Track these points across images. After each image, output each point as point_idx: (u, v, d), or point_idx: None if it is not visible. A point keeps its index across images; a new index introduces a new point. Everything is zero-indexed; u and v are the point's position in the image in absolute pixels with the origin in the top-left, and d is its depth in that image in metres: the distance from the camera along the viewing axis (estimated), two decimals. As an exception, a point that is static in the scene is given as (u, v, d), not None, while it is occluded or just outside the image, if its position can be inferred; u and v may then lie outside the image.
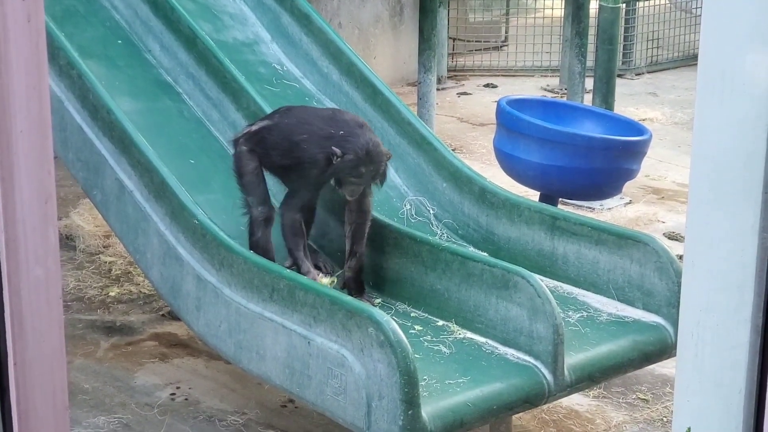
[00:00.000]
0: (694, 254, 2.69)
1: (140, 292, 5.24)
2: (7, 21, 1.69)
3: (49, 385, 1.87)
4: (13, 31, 1.70)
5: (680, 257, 3.82)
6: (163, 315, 5.01)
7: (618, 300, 4.02)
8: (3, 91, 1.71)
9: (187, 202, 4.05)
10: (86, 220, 5.57)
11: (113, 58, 4.92)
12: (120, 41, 5.02)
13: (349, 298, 3.60)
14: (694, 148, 2.63)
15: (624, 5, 8.08)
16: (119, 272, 5.42)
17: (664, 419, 4.23)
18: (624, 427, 4.22)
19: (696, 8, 10.22)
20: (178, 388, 4.47)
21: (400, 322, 3.66)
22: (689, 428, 2.75)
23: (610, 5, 6.86)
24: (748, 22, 2.49)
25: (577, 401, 4.29)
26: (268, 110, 4.61)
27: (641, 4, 10.15)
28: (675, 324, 3.80)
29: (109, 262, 5.48)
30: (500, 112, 5.25)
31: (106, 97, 4.35)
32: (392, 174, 4.73)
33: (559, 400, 3.99)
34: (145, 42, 5.04)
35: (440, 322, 3.97)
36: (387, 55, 8.46)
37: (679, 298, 3.74)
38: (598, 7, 7.00)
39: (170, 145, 4.52)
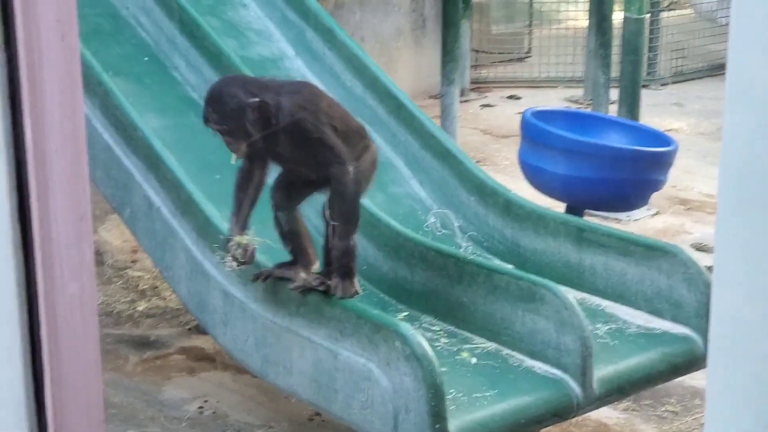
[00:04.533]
0: (723, 265, 2.71)
1: (168, 306, 5.26)
2: (42, 40, 1.71)
3: (84, 400, 1.88)
4: (47, 49, 1.72)
5: (709, 268, 3.83)
6: (190, 329, 5.03)
7: (646, 312, 4.02)
8: (38, 110, 1.73)
9: (214, 218, 4.08)
10: (114, 236, 5.60)
11: (140, 75, 4.96)
12: (146, 58, 5.06)
13: (375, 313, 3.59)
14: (723, 157, 2.64)
15: (648, 16, 8.05)
16: (147, 287, 5.45)
17: (694, 431, 4.20)
18: (653, 440, 4.20)
19: (721, 17, 10.20)
20: (206, 401, 4.49)
21: (427, 335, 3.68)
22: (720, 440, 2.76)
23: (635, 16, 6.86)
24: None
25: (606, 414, 4.27)
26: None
27: (665, 14, 10.14)
28: (704, 335, 3.80)
29: (137, 277, 5.51)
30: (525, 124, 5.25)
31: (133, 114, 4.38)
32: (417, 187, 4.75)
33: (588, 414, 3.97)
34: (171, 59, 5.07)
35: (467, 335, 3.97)
36: (409, 68, 8.47)
37: (708, 309, 3.74)
38: (622, 18, 6.99)
39: (197, 161, 4.54)
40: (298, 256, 3.86)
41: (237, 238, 3.69)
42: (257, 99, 3.66)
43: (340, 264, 3.71)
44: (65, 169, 1.74)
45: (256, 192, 3.86)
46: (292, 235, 3.88)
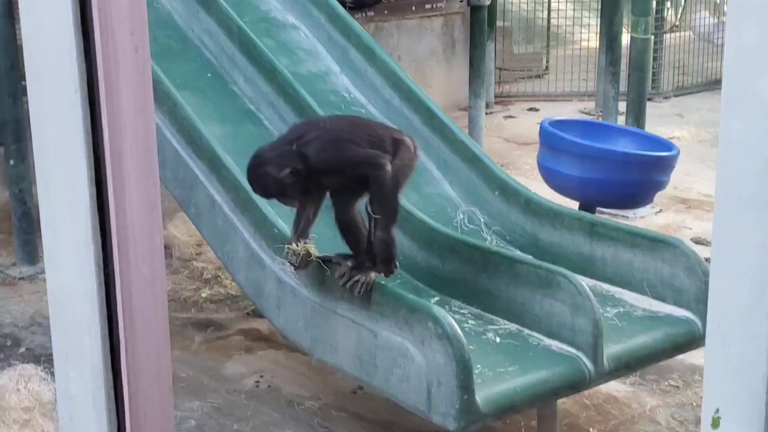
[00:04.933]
0: (720, 256, 2.68)
1: (228, 293, 5.28)
2: (118, 52, 1.72)
3: (154, 369, 1.89)
4: (122, 60, 1.73)
5: (707, 259, 3.81)
6: (248, 313, 5.04)
7: (651, 297, 4.00)
8: (115, 114, 1.74)
9: (269, 214, 4.09)
10: (181, 231, 5.63)
11: (204, 89, 4.99)
12: (209, 74, 5.08)
13: (411, 297, 3.58)
14: (720, 160, 2.63)
15: (653, 37, 8.01)
16: (210, 276, 5.47)
17: (694, 404, 4.19)
18: (657, 411, 4.18)
19: (717, 38, 10.16)
20: (261, 376, 4.50)
21: (456, 317, 3.66)
22: (717, 409, 2.74)
23: (641, 37, 6.83)
24: (765, 49, 2.49)
25: (615, 387, 4.26)
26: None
27: (668, 35, 10.11)
28: (703, 318, 3.77)
29: (201, 268, 5.54)
30: (543, 132, 5.25)
31: (198, 124, 4.41)
32: (447, 187, 4.74)
33: (599, 387, 3.96)
34: (231, 75, 5.09)
35: (491, 317, 3.96)
36: (441, 83, 8.46)
37: (706, 295, 3.71)
38: (629, 38, 6.97)
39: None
40: (356, 251, 3.86)
41: (291, 246, 3.71)
42: (287, 170, 3.66)
43: (383, 252, 3.71)
44: (138, 166, 1.75)
45: (314, 210, 3.91)
46: (349, 232, 3.89)
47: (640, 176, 5.10)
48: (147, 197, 1.80)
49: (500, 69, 9.55)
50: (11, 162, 5.60)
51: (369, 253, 3.80)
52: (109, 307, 1.80)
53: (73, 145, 1.77)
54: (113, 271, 1.79)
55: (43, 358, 4.36)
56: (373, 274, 3.69)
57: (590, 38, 10.30)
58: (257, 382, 4.44)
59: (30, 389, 4.02)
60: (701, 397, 3.03)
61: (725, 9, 12.27)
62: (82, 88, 1.73)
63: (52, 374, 4.25)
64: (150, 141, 1.79)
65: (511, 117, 8.74)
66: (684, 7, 11.93)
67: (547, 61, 10.13)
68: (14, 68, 5.59)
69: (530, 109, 8.94)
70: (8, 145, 5.61)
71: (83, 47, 1.71)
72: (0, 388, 4.02)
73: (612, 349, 3.64)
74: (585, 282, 3.69)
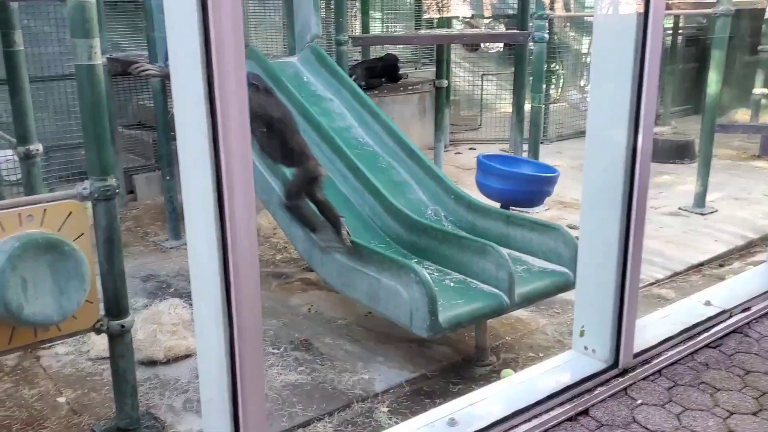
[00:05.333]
0: (585, 234, 2.71)
1: (292, 257, 5.30)
2: (230, 111, 1.72)
3: (251, 300, 1.89)
4: (232, 115, 1.73)
5: (576, 237, 3.83)
6: (304, 268, 5.03)
7: (543, 259, 4.02)
8: (228, 148, 1.74)
9: (315, 209, 4.11)
10: (264, 220, 5.64)
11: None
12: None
13: (400, 258, 3.58)
14: (585, 178, 2.66)
15: (543, 105, 8.01)
16: (281, 246, 5.48)
17: (568, 323, 4.21)
18: (546, 327, 4.21)
19: (581, 106, 10.18)
20: (311, 305, 4.52)
21: (427, 271, 3.69)
22: (583, 325, 2.76)
23: (537, 105, 6.86)
24: (611, 111, 2.51)
25: (521, 313, 4.29)
26: (358, 163, 4.66)
27: (552, 104, 10.12)
28: (573, 271, 3.79)
29: (276, 242, 5.56)
30: (479, 162, 5.26)
31: (274, 155, 4.42)
32: (420, 194, 4.74)
33: (511, 313, 3.99)
34: (293, 127, 5.09)
35: (447, 271, 3.97)
36: (417, 133, 8.44)
37: (576, 257, 3.73)
38: (530, 106, 6.98)
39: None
40: (332, 221, 3.88)
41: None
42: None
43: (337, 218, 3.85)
44: (241, 179, 1.75)
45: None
46: (322, 211, 3.92)
47: (537, 188, 5.12)
48: (247, 199, 1.81)
49: (452, 124, 9.56)
50: (166, 178, 5.62)
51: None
52: (224, 264, 1.81)
53: (203, 167, 1.78)
54: (227, 242, 1.80)
55: (184, 295, 4.38)
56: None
57: (506, 106, 10.32)
58: (309, 308, 4.47)
59: (177, 312, 4.04)
60: (573, 319, 3.05)
61: (587, 89, 12.29)
62: (209, 134, 1.74)
63: (190, 304, 4.28)
64: (248, 164, 1.80)
65: (459, 153, 8.75)
66: (562, 87, 11.94)
67: (480, 120, 10.12)
68: (166, 124, 5.60)
69: (470, 148, 8.94)
70: (164, 168, 5.64)
71: (210, 110, 1.71)
72: (159, 312, 4.03)
73: (520, 289, 3.67)
74: (504, 250, 3.72)
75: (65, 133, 6.47)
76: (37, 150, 3.67)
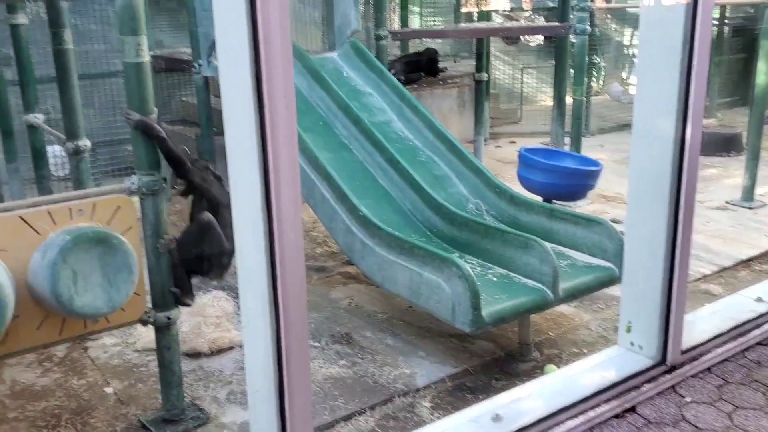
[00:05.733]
0: (631, 228, 2.67)
1: (332, 251, 5.31)
2: (277, 107, 1.74)
3: (296, 292, 1.90)
4: (279, 113, 1.74)
5: (621, 232, 3.78)
6: (344, 262, 5.03)
7: (587, 254, 3.97)
8: (275, 145, 1.75)
9: (356, 203, 4.13)
10: (305, 215, 5.65)
11: (319, 131, 5.04)
12: (321, 123, 5.13)
13: (442, 252, 3.57)
14: (631, 171, 2.62)
15: (585, 98, 7.91)
16: (321, 240, 5.50)
17: (612, 318, 4.15)
18: (590, 322, 4.15)
19: (624, 100, 10.02)
20: (352, 299, 4.53)
21: (469, 265, 3.67)
22: (630, 321, 2.72)
23: (578, 98, 6.76)
24: (658, 103, 2.46)
25: (564, 308, 4.24)
26: (398, 157, 4.66)
27: (594, 97, 9.98)
28: (618, 266, 3.74)
29: (315, 236, 5.58)
30: (521, 156, 5.22)
31: (316, 151, 4.45)
32: (461, 188, 4.73)
33: (555, 308, 3.95)
34: (334, 123, 5.13)
35: (490, 266, 3.94)
36: (456, 126, 8.40)
37: (621, 253, 3.68)
38: (572, 99, 6.89)
39: (347, 174, 4.59)
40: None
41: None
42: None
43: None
44: (288, 176, 1.77)
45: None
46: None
47: (580, 181, 5.06)
48: (293, 193, 1.82)
49: (492, 117, 9.50)
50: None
51: None
52: (271, 257, 1.83)
53: (251, 161, 1.79)
54: (273, 235, 1.81)
55: (227, 288, 4.43)
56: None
57: (546, 99, 10.22)
58: (349, 302, 4.48)
59: (220, 305, 4.09)
60: (618, 314, 3.01)
61: (629, 81, 12.08)
62: (257, 130, 1.76)
63: (233, 297, 4.34)
64: (295, 158, 1.81)
65: (498, 146, 8.67)
66: (603, 80, 11.76)
67: (520, 113, 10.03)
68: (209, 120, 5.66)
69: (510, 142, 8.86)
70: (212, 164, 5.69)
71: (258, 107, 1.72)
72: (204, 304, 4.08)
73: (564, 284, 3.64)
74: (547, 245, 3.68)
75: (110, 129, 6.60)
76: (86, 146, 3.75)
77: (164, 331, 3.06)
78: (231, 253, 3.04)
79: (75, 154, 3.74)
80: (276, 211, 1.77)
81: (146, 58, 2.80)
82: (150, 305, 3.02)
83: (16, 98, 5.36)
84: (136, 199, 2.89)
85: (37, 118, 4.63)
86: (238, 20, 1.68)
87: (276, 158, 1.74)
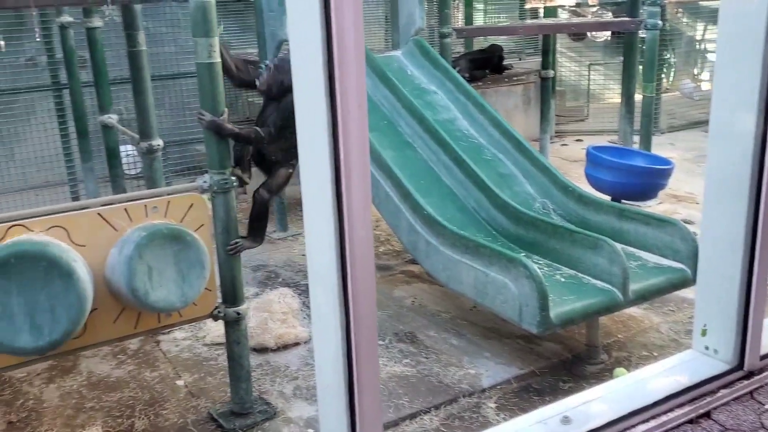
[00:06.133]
0: (707, 229, 2.59)
1: (395, 249, 5.34)
2: (349, 107, 1.75)
3: (366, 289, 1.91)
4: (351, 113, 1.76)
5: (693, 233, 3.68)
6: (407, 261, 5.05)
7: (658, 255, 3.88)
8: (347, 144, 1.77)
9: (421, 202, 4.13)
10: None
11: (383, 130, 5.06)
12: (385, 121, 5.15)
13: (509, 252, 3.54)
14: (707, 169, 2.54)
15: (655, 95, 7.71)
16: (384, 239, 5.54)
17: (684, 321, 4.04)
18: (660, 325, 4.06)
19: (695, 96, 9.72)
20: (415, 298, 4.54)
21: (537, 266, 3.64)
22: (705, 324, 2.63)
23: (648, 95, 6.59)
24: (738, 98, 2.38)
25: (634, 310, 4.16)
26: (463, 155, 4.65)
27: (664, 95, 9.72)
28: (691, 268, 3.64)
29: (378, 234, 5.62)
30: (589, 154, 5.13)
31: (380, 150, 4.48)
32: (527, 186, 4.67)
33: (625, 310, 3.87)
34: (397, 121, 5.15)
35: (557, 266, 3.89)
36: (521, 124, 8.30)
37: (694, 254, 3.58)
38: (641, 96, 6.73)
39: (411, 173, 4.59)
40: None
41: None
42: None
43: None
44: (359, 174, 1.79)
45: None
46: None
47: (650, 180, 4.95)
48: (364, 191, 1.83)
49: (558, 115, 9.36)
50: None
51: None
52: (341, 253, 1.84)
53: (322, 159, 1.81)
54: (344, 232, 1.83)
55: (292, 284, 4.50)
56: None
57: (613, 96, 10.01)
58: (413, 301, 4.49)
59: (286, 301, 4.17)
60: (689, 317, 2.92)
61: (701, 77, 11.71)
62: (329, 128, 1.77)
63: (299, 294, 4.41)
64: (365, 160, 1.82)
65: (564, 144, 8.55)
66: (674, 76, 11.44)
67: (587, 111, 9.85)
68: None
69: (577, 140, 8.72)
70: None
71: (330, 105, 1.74)
72: (270, 300, 4.17)
73: (634, 286, 3.56)
74: (617, 245, 3.61)
75: (179, 129, 6.79)
76: (158, 145, 3.87)
77: (234, 326, 3.14)
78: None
79: (148, 153, 3.87)
80: (347, 209, 1.79)
81: (218, 59, 2.87)
82: (220, 300, 3.10)
83: (89, 99, 5.57)
84: (207, 196, 2.97)
85: (111, 118, 4.80)
86: (312, 21, 1.71)
87: (347, 157, 1.76)
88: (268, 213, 3.39)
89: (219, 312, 3.07)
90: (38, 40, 6.53)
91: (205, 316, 3.06)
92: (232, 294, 3.09)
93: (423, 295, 4.54)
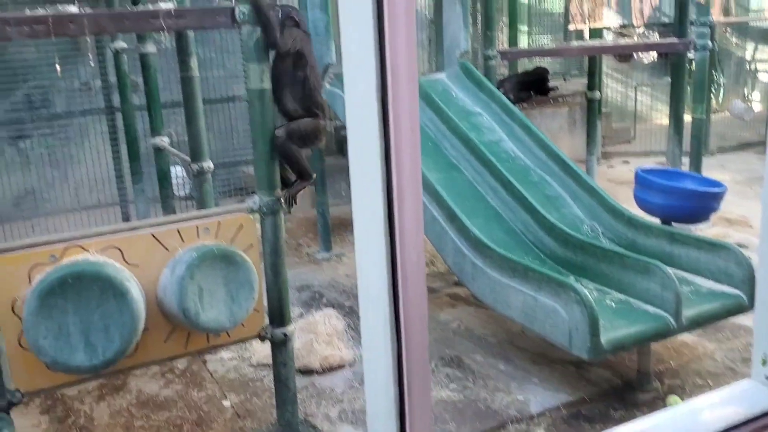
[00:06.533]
0: (764, 253, 2.52)
1: (439, 271, 5.31)
2: (401, 128, 1.76)
3: (417, 311, 1.89)
4: (404, 135, 1.76)
5: (749, 257, 3.57)
6: (453, 283, 5.03)
7: (712, 280, 3.77)
8: (398, 163, 1.77)
9: (467, 223, 4.10)
10: (414, 234, 5.70)
11: (428, 152, 5.06)
12: (431, 143, 5.15)
13: (558, 276, 3.49)
14: (764, 190, 2.48)
15: (705, 117, 7.56)
16: (428, 260, 5.50)
17: (739, 349, 3.92)
18: (715, 353, 3.93)
19: (747, 118, 9.49)
20: (461, 322, 4.50)
21: (587, 290, 3.58)
22: (765, 353, 2.55)
23: (698, 116, 6.46)
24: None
25: (687, 337, 4.04)
26: (509, 176, 4.61)
27: (713, 117, 9.54)
28: (747, 293, 3.53)
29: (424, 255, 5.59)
30: (638, 176, 5.03)
31: (425, 171, 4.47)
32: (575, 209, 4.60)
33: (677, 336, 3.77)
34: (442, 143, 5.14)
35: (608, 290, 3.81)
36: (567, 146, 8.22)
37: (750, 278, 3.48)
38: (690, 117, 6.61)
39: (457, 194, 4.57)
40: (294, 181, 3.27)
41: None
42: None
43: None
44: (411, 197, 1.79)
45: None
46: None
47: (702, 203, 4.82)
48: (416, 213, 1.82)
49: (604, 136, 9.24)
50: (319, 193, 5.83)
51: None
52: (393, 276, 1.83)
53: (375, 185, 1.81)
54: (396, 256, 1.82)
55: (337, 305, 4.50)
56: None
57: (660, 117, 9.86)
58: (459, 324, 4.45)
59: (331, 323, 4.17)
60: (746, 345, 2.82)
61: (752, 98, 11.46)
62: (382, 152, 1.77)
63: (344, 315, 4.40)
64: (417, 183, 1.81)
65: (611, 166, 8.44)
66: (723, 97, 11.23)
67: (634, 132, 9.71)
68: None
69: (623, 162, 8.61)
70: (317, 183, 5.85)
71: (383, 129, 1.75)
72: (315, 321, 4.17)
73: (687, 312, 3.46)
74: (669, 269, 3.51)
75: (226, 151, 6.91)
76: (209, 167, 3.93)
77: (280, 347, 3.15)
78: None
79: (199, 174, 3.93)
80: (399, 232, 1.79)
81: (268, 84, 2.91)
82: (267, 321, 3.11)
83: (141, 122, 5.71)
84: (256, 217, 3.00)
85: (163, 141, 4.91)
86: (366, 47, 1.72)
87: (400, 180, 1.76)
88: (295, 152, 3.15)
89: (266, 333, 3.09)
90: (92, 65, 6.73)
91: (252, 337, 3.08)
92: (279, 315, 3.11)
93: (469, 319, 4.49)
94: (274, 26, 2.87)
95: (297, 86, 3.13)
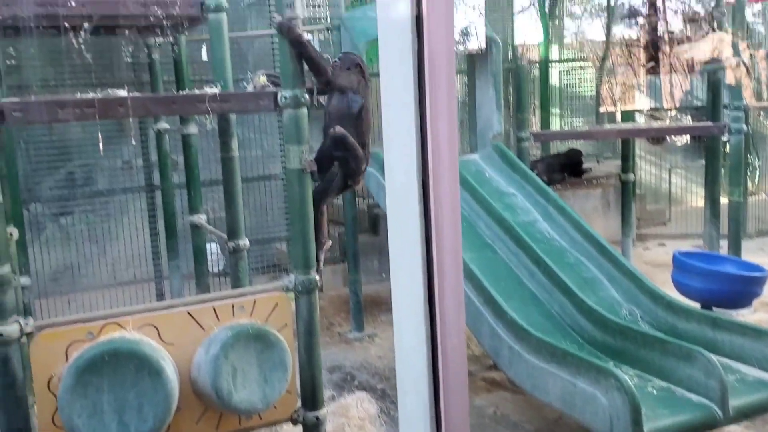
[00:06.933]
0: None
1: (474, 354, 5.19)
2: (443, 209, 1.76)
3: (458, 387, 1.86)
4: (444, 219, 1.77)
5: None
6: (488, 367, 4.90)
7: (758, 368, 3.64)
8: (437, 218, 1.77)
9: (504, 306, 4.05)
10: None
11: (462, 232, 5.04)
12: (465, 223, 5.15)
13: (598, 362, 3.39)
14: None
15: (742, 200, 7.49)
16: (463, 343, 5.39)
17: (791, 441, 3.72)
18: (765, 447, 3.74)
19: (785, 198, 9.42)
20: (497, 407, 4.38)
21: (627, 376, 3.47)
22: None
23: (735, 199, 6.40)
24: None
25: (734, 428, 3.85)
26: (544, 257, 4.57)
27: (750, 198, 9.44)
28: (799, 383, 3.40)
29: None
30: (676, 259, 4.96)
31: (460, 251, 4.45)
32: (613, 292, 4.52)
33: (724, 428, 3.61)
34: (477, 222, 5.15)
35: (649, 377, 3.69)
36: (601, 227, 8.13)
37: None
38: (727, 200, 6.54)
39: (492, 275, 4.52)
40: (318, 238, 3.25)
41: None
42: None
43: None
44: (452, 274, 1.77)
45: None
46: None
47: (743, 288, 4.72)
48: (457, 297, 1.81)
49: (638, 219, 9.17)
50: (350, 273, 5.82)
51: None
52: (433, 360, 1.81)
53: (415, 267, 1.81)
54: (437, 339, 1.80)
55: (369, 388, 4.42)
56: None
57: (695, 199, 9.78)
58: (495, 410, 4.33)
59: (363, 407, 4.09)
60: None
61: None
62: (422, 234, 1.78)
63: (376, 398, 4.31)
64: (459, 263, 1.82)
65: (647, 249, 8.33)
66: (759, 179, 11.16)
67: (669, 214, 9.62)
68: (354, 221, 5.84)
69: (659, 244, 8.49)
70: (350, 262, 5.84)
71: (424, 211, 1.76)
72: (347, 405, 4.10)
73: (734, 401, 3.32)
74: (713, 356, 3.40)
75: (260, 228, 6.98)
76: (245, 244, 3.96)
77: (312, 431, 3.08)
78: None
79: (234, 252, 3.96)
80: (439, 315, 1.77)
81: (306, 166, 2.97)
82: (299, 404, 3.06)
83: (178, 200, 5.82)
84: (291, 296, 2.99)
85: (201, 218, 4.98)
86: (408, 134, 1.76)
87: (441, 264, 1.76)
88: (321, 215, 3.30)
89: (298, 416, 3.03)
90: (134, 144, 6.94)
91: (284, 420, 3.02)
92: (311, 397, 3.06)
93: (505, 404, 4.37)
94: (322, 65, 3.00)
95: (349, 122, 3.27)
